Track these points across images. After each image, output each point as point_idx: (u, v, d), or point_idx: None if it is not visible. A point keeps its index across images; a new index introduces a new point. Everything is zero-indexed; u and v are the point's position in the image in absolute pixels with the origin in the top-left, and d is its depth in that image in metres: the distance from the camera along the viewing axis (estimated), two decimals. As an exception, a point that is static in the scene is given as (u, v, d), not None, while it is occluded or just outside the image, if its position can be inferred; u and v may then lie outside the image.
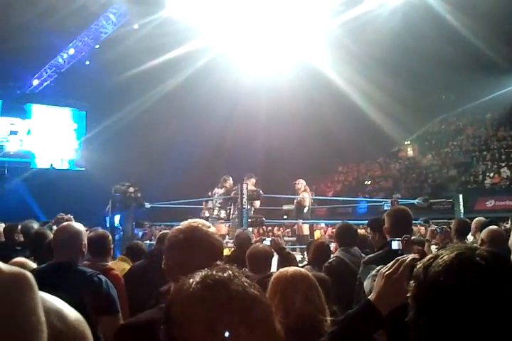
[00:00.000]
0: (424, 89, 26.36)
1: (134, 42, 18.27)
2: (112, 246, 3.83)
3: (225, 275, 0.88)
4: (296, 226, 10.54)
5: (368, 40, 19.03)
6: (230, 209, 9.61)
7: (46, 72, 22.58)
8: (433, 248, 5.05)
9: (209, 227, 1.81)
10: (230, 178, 9.94)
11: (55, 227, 4.39)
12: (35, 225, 4.48)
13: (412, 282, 1.09)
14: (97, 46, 20.27)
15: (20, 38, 18.01)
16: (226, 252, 5.59)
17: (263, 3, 15.80)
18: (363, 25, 17.16)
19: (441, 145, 28.86)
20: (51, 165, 24.28)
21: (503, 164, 23.57)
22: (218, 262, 0.99)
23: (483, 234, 4.04)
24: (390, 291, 1.45)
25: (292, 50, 18.47)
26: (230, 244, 7.91)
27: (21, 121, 23.74)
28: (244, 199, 8.05)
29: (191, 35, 17.69)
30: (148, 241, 11.21)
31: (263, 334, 0.83)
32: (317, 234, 13.21)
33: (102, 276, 2.82)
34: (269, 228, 16.49)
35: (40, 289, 0.68)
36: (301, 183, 10.09)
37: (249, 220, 8.28)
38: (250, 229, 8.87)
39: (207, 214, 10.15)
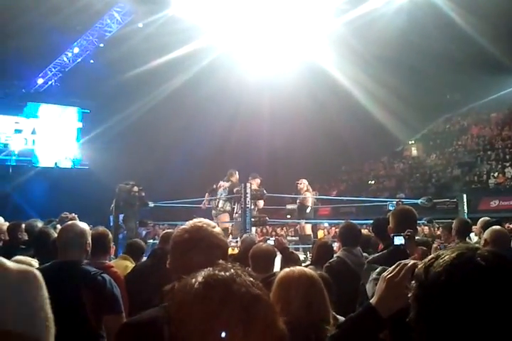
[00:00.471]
0: (428, 88, 26.31)
1: (139, 41, 18.29)
2: (111, 244, 3.84)
3: (228, 274, 0.88)
4: (298, 226, 10.54)
5: (373, 38, 18.99)
6: (233, 207, 9.63)
7: (51, 71, 22.64)
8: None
9: (214, 227, 1.81)
10: (237, 173, 9.95)
11: (59, 226, 4.39)
12: (40, 224, 4.49)
13: (413, 282, 1.09)
14: (102, 45, 20.30)
15: (25, 36, 18.06)
16: (230, 251, 5.59)
17: (267, 2, 15.79)
18: (368, 23, 17.13)
19: (445, 144, 28.81)
20: (55, 164, 24.34)
21: (508, 164, 23.51)
22: (222, 261, 0.99)
23: (487, 234, 4.03)
24: (391, 295, 1.45)
25: (296, 49, 18.46)
26: (233, 244, 7.92)
27: (26, 120, 23.81)
28: (248, 199, 8.04)
29: (195, 34, 17.71)
30: (151, 241, 11.24)
31: (265, 333, 0.83)
32: (320, 234, 13.20)
33: (106, 275, 2.82)
34: (271, 227, 16.50)
35: None
36: (303, 183, 10.08)
37: (253, 219, 8.27)
38: (254, 228, 8.90)
39: (210, 205, 10.14)
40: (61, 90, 23.32)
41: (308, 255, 8.38)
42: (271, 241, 4.52)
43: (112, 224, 9.33)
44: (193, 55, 18.59)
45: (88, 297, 2.57)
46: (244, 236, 5.85)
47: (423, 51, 22.11)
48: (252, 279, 0.90)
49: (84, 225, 3.05)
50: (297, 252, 6.24)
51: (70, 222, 3.20)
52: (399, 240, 2.80)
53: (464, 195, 9.99)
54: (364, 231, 6.85)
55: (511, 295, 0.97)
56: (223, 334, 0.80)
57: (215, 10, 16.27)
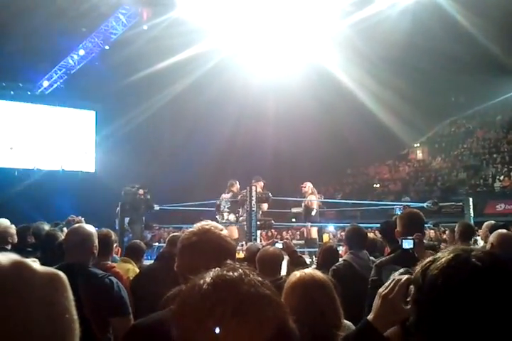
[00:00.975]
0: (434, 91, 26.27)
1: (144, 44, 18.36)
2: (115, 245, 3.84)
3: (236, 274, 0.87)
4: (304, 230, 10.53)
5: (378, 40, 18.98)
6: (238, 212, 9.61)
7: (56, 73, 22.72)
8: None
9: (221, 230, 1.81)
10: (237, 183, 9.92)
11: (65, 229, 4.41)
12: (46, 227, 4.50)
13: (411, 287, 1.11)
14: (107, 47, 20.37)
15: (30, 39, 18.15)
16: (238, 256, 5.59)
17: (272, 4, 15.82)
18: (373, 25, 17.11)
19: (451, 147, 28.74)
20: (61, 167, 24.40)
21: (514, 167, 23.44)
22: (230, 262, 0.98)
23: (493, 237, 4.00)
24: (387, 311, 1.46)
25: (302, 51, 18.47)
26: (238, 247, 7.91)
27: (32, 124, 23.88)
28: (253, 202, 8.03)
29: (200, 37, 17.75)
30: (157, 244, 11.25)
31: (276, 334, 0.82)
32: (326, 238, 13.17)
33: (113, 278, 2.83)
34: (276, 231, 16.47)
35: None
36: (308, 186, 10.08)
37: (258, 223, 8.27)
38: (259, 232, 8.89)
39: (218, 218, 10.14)
40: (66, 93, 23.39)
41: (314, 259, 8.36)
42: (279, 245, 4.51)
43: (117, 227, 9.34)
44: (198, 58, 18.63)
45: (96, 299, 2.57)
46: (249, 244, 5.86)
47: (428, 53, 22.09)
48: (260, 279, 0.90)
49: (90, 228, 3.06)
50: (303, 256, 6.23)
51: (76, 225, 3.21)
52: (408, 244, 2.79)
53: (470, 199, 9.95)
54: (370, 234, 6.84)
55: (508, 293, 0.99)
56: (233, 336, 0.79)
57: (220, 12, 16.31)
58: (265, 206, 9.16)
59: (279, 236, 15.52)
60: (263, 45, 18.02)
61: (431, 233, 11.40)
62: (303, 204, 10.08)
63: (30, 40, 18.15)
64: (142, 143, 22.74)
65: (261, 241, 10.29)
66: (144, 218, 9.96)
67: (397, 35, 18.45)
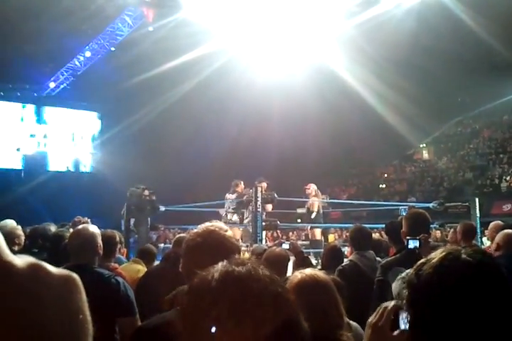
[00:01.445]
0: (440, 91, 26.19)
1: (150, 45, 18.40)
2: (118, 247, 3.86)
3: (245, 270, 0.85)
4: (308, 231, 10.52)
5: (383, 40, 18.94)
6: (243, 212, 9.61)
7: (63, 75, 22.82)
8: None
9: (226, 231, 1.82)
10: (242, 183, 9.92)
11: (71, 230, 4.43)
12: (53, 228, 4.52)
13: (404, 291, 1.13)
14: (113, 49, 20.44)
15: (37, 41, 18.23)
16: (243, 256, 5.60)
17: (278, 5, 15.82)
18: (378, 26, 17.09)
19: (457, 147, 28.64)
20: (67, 168, 24.51)
21: (520, 167, 23.34)
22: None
23: (499, 238, 3.99)
24: (377, 340, 1.46)
25: (307, 52, 18.46)
26: (243, 248, 7.91)
27: (38, 125, 24.00)
28: (259, 203, 8.02)
29: (206, 38, 17.78)
30: (162, 245, 11.27)
31: (289, 333, 0.81)
32: (331, 238, 13.16)
33: (119, 278, 2.84)
34: (281, 232, 16.44)
35: None
36: (312, 188, 10.07)
37: (263, 224, 8.26)
38: (264, 232, 8.89)
39: (222, 219, 10.15)
40: (73, 94, 23.48)
41: (319, 260, 8.35)
42: (286, 245, 4.52)
43: (123, 228, 9.36)
44: (204, 59, 18.67)
45: (102, 300, 2.58)
46: (255, 246, 5.86)
47: (434, 53, 22.02)
48: (269, 274, 0.88)
49: (94, 228, 3.08)
50: (309, 257, 6.23)
51: (80, 226, 3.23)
52: (413, 243, 2.78)
53: (476, 199, 9.91)
54: (375, 235, 6.82)
55: (499, 286, 1.03)
56: (244, 335, 0.78)
57: (225, 13, 16.33)
58: (269, 207, 9.15)
59: (284, 237, 15.51)
60: (268, 45, 18.03)
61: (437, 233, 11.36)
62: (306, 206, 10.09)
63: (37, 42, 18.24)
64: (148, 144, 22.79)
65: (266, 242, 10.30)
66: (149, 219, 9.97)
67: (403, 36, 18.42)
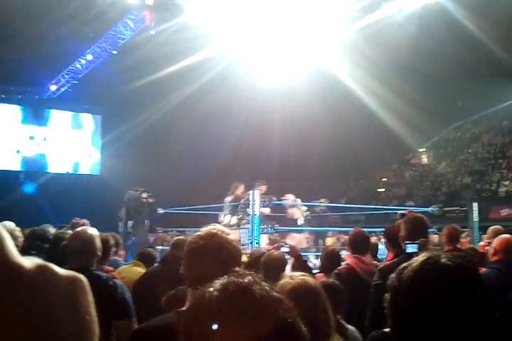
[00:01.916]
0: (440, 96, 26.22)
1: (152, 49, 18.43)
2: (113, 250, 3.87)
3: (246, 280, 0.86)
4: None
5: (385, 45, 18.98)
6: (239, 214, 9.61)
7: (64, 78, 22.83)
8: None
9: (228, 234, 1.83)
10: (243, 186, 9.89)
11: (70, 232, 4.44)
12: (52, 230, 4.53)
13: (386, 295, 1.15)
14: (115, 52, 20.46)
15: (38, 43, 18.26)
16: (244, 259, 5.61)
17: (279, 9, 15.86)
18: (380, 30, 17.12)
19: (456, 152, 28.66)
20: (67, 171, 24.51)
21: (519, 172, 23.36)
22: (237, 269, 0.97)
23: (496, 242, 3.99)
24: None
25: (308, 56, 18.48)
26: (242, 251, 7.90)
27: (38, 127, 24.01)
28: (256, 206, 8.03)
29: (208, 42, 17.81)
30: (160, 247, 11.26)
31: (292, 338, 0.82)
32: (329, 241, 13.18)
33: (117, 281, 2.86)
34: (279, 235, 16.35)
35: None
36: (288, 198, 10.01)
37: (261, 227, 8.27)
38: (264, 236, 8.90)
39: (219, 220, 10.14)
40: (74, 97, 23.50)
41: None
42: (285, 248, 4.52)
43: (120, 230, 9.37)
44: (205, 63, 18.68)
45: (99, 302, 2.59)
46: (253, 249, 5.88)
47: (435, 58, 22.05)
48: (269, 285, 0.88)
49: (93, 231, 3.09)
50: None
51: (79, 228, 3.24)
52: (412, 248, 2.80)
53: (475, 204, 9.92)
54: (372, 239, 6.83)
55: (477, 288, 1.06)
56: (243, 339, 0.77)
57: (227, 17, 16.37)
58: (266, 210, 9.14)
59: (282, 240, 15.46)
60: (270, 50, 18.06)
61: (435, 238, 11.35)
62: (287, 218, 10.13)
63: (39, 45, 18.26)
64: (148, 147, 22.79)
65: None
66: (147, 221, 9.98)
67: (404, 40, 18.45)
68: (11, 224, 4.46)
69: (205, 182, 21.30)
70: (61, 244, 3.67)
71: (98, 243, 3.01)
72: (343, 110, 22.82)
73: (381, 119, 23.37)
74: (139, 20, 18.55)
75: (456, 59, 21.69)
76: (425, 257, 1.12)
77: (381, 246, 7.06)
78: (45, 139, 24.09)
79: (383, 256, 5.49)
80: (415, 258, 1.15)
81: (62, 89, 23.42)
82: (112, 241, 3.78)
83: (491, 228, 6.08)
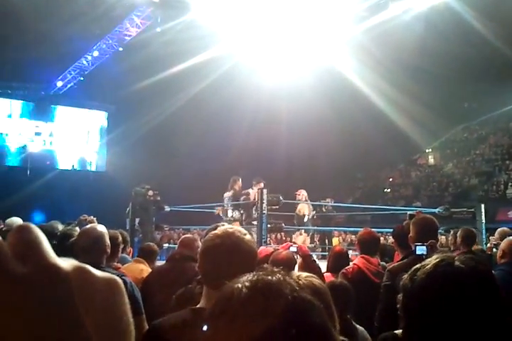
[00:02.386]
0: (447, 97, 26.14)
1: (158, 46, 18.46)
2: (121, 247, 3.86)
3: (275, 278, 0.81)
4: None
5: (392, 45, 18.94)
6: (243, 211, 9.67)
7: (70, 74, 22.92)
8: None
9: (245, 234, 1.83)
10: (240, 180, 9.92)
11: (77, 228, 4.44)
12: (60, 226, 4.53)
13: (399, 296, 1.16)
14: (121, 49, 20.50)
15: (45, 40, 18.32)
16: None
17: (286, 8, 15.84)
18: (387, 30, 17.09)
19: (463, 153, 28.56)
20: (73, 167, 24.59)
21: (526, 174, 23.26)
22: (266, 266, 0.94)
23: (504, 244, 3.96)
24: None
25: (315, 56, 18.46)
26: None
27: (44, 123, 24.12)
28: (264, 205, 8.03)
29: (214, 41, 17.82)
30: (166, 245, 11.28)
31: (315, 336, 0.77)
32: (335, 242, 13.17)
33: (126, 278, 2.85)
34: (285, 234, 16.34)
35: None
36: (302, 194, 10.16)
37: (268, 226, 8.27)
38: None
39: (221, 214, 10.18)
40: (80, 93, 23.58)
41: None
42: (293, 248, 4.50)
43: (127, 227, 9.39)
44: (212, 61, 18.69)
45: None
46: (261, 248, 5.86)
47: (442, 58, 21.99)
48: (297, 284, 0.84)
49: (102, 228, 3.09)
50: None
51: (88, 226, 3.24)
52: (421, 250, 2.78)
53: (482, 205, 9.88)
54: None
55: (490, 292, 1.06)
56: None
57: (233, 16, 16.36)
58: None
59: (288, 239, 15.46)
60: (277, 49, 18.04)
61: (442, 239, 11.33)
62: (295, 212, 10.21)
63: (45, 41, 18.32)
64: (154, 145, 22.84)
65: (271, 244, 10.33)
66: (154, 219, 9.99)
67: (411, 40, 18.41)
68: (18, 220, 4.48)
69: (211, 180, 21.32)
70: (69, 240, 3.67)
71: (107, 240, 3.01)
72: (350, 110, 22.81)
73: (388, 119, 23.32)
74: (145, 17, 18.57)
75: (464, 59, 21.63)
76: (439, 259, 1.12)
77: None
78: (51, 135, 24.19)
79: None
80: (428, 260, 1.15)
81: (69, 86, 23.50)
82: (120, 238, 3.78)
83: (499, 230, 6.06)
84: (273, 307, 0.76)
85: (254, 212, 9.17)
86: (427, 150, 30.32)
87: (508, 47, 19.86)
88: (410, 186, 27.73)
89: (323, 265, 4.99)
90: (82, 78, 22.84)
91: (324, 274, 4.19)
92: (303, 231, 10.51)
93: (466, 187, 24.94)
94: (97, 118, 25.69)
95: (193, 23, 17.00)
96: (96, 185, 22.08)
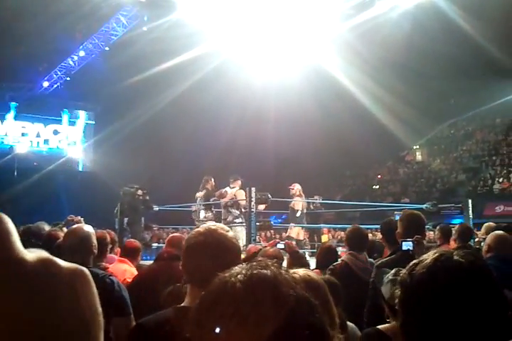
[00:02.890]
0: (433, 93, 26.31)
1: (145, 45, 18.36)
2: (109, 247, 3.83)
3: (270, 273, 0.79)
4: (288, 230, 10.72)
5: (378, 43, 19.02)
6: (213, 210, 9.72)
7: (56, 74, 22.75)
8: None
9: (228, 231, 1.83)
10: (212, 179, 10.01)
11: (65, 229, 4.41)
12: (46, 227, 4.50)
13: (397, 290, 1.15)
14: (107, 48, 20.38)
15: (31, 40, 18.18)
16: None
17: (273, 6, 15.84)
18: (373, 28, 17.13)
19: (450, 149, 28.77)
20: (60, 167, 24.41)
21: (513, 169, 23.48)
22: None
23: (489, 239, 3.98)
24: None
25: (302, 54, 18.48)
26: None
27: (31, 124, 23.95)
28: (253, 203, 8.04)
29: (201, 39, 17.75)
30: (156, 244, 11.26)
31: (318, 337, 0.77)
32: (324, 239, 13.19)
33: (114, 278, 2.84)
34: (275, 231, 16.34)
35: None
36: (296, 188, 10.18)
37: (257, 224, 8.28)
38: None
39: (193, 216, 10.21)
40: (67, 93, 23.41)
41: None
42: (281, 245, 4.50)
43: (116, 227, 9.34)
44: (199, 60, 18.64)
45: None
46: (250, 246, 5.88)
47: (428, 56, 22.12)
48: (291, 278, 0.83)
49: (89, 228, 3.08)
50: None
51: (75, 226, 3.22)
52: (407, 245, 2.80)
53: (469, 200, 9.95)
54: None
55: (490, 287, 1.06)
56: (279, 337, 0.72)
57: (220, 15, 16.32)
58: (261, 206, 9.19)
59: (277, 236, 15.47)
60: (264, 47, 18.03)
61: (430, 234, 11.39)
62: (289, 206, 10.23)
63: (31, 41, 18.19)
64: (142, 144, 22.74)
65: (260, 242, 10.33)
66: (143, 218, 9.96)
67: (397, 38, 18.49)
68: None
69: (200, 179, 21.26)
70: (54, 241, 3.65)
71: (94, 240, 2.99)
72: (337, 107, 22.85)
73: (375, 117, 23.42)
74: (131, 17, 18.47)
75: (450, 57, 21.77)
76: (438, 254, 1.12)
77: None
78: (38, 136, 24.03)
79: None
80: (427, 254, 1.14)
81: (55, 86, 23.32)
82: (108, 238, 3.75)
83: (485, 224, 6.11)
84: (267, 304, 0.74)
85: (233, 210, 9.26)
86: (414, 147, 30.49)
87: (494, 45, 20.04)
88: (398, 183, 27.88)
89: (312, 263, 5.00)
90: (68, 78, 22.69)
91: (313, 271, 4.19)
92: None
93: (453, 183, 25.14)
94: (83, 118, 25.54)
95: (179, 22, 16.94)
96: (83, 185, 21.94)
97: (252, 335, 0.71)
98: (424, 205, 9.85)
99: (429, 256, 1.12)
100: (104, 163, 22.24)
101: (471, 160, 26.55)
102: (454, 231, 5.37)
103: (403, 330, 1.10)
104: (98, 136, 24.36)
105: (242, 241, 7.79)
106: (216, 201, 9.73)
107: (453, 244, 5.13)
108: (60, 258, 2.69)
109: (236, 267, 0.81)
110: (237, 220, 9.43)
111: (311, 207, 11.55)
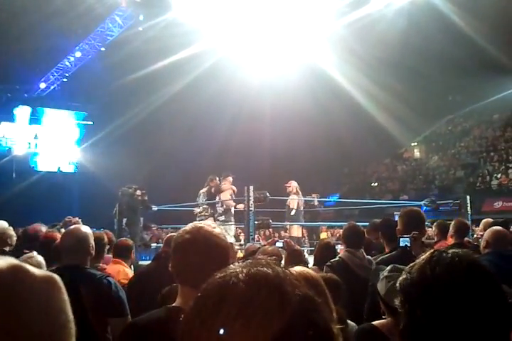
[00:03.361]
0: (430, 90, 26.31)
1: (140, 45, 18.34)
2: (107, 247, 3.81)
3: (272, 271, 0.76)
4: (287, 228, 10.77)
5: (374, 41, 19.01)
6: (212, 211, 9.79)
7: (53, 76, 22.71)
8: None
9: (214, 228, 1.82)
10: (217, 178, 10.08)
11: (62, 230, 4.40)
12: (44, 228, 4.49)
13: (394, 286, 1.17)
14: (103, 49, 20.35)
15: (27, 41, 18.13)
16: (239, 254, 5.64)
17: (268, 4, 15.83)
18: (369, 26, 17.15)
19: (448, 146, 28.78)
20: (58, 168, 24.39)
21: (511, 165, 23.47)
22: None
23: (487, 235, 3.99)
24: None
25: (298, 52, 18.48)
26: (237, 247, 7.92)
27: (28, 125, 23.90)
28: (251, 202, 8.04)
29: (197, 38, 17.74)
30: (155, 244, 11.24)
31: (318, 336, 0.73)
32: (323, 236, 13.20)
33: (111, 279, 2.84)
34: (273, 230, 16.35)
35: None
36: (292, 186, 10.18)
37: (256, 222, 8.27)
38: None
39: (194, 211, 10.31)
40: (63, 94, 23.38)
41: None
42: (279, 243, 4.50)
43: (115, 227, 9.34)
44: (195, 58, 18.62)
45: (94, 300, 2.58)
46: (248, 244, 5.88)
47: (424, 53, 22.12)
48: (294, 277, 0.79)
49: (86, 229, 3.07)
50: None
51: (72, 227, 3.21)
52: (404, 241, 2.80)
53: (468, 197, 9.96)
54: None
55: (491, 285, 1.06)
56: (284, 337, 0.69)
57: (215, 13, 16.31)
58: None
59: (276, 235, 15.48)
60: (259, 45, 18.03)
61: (429, 231, 11.40)
62: (286, 204, 10.24)
63: (27, 42, 18.13)
64: (139, 144, 22.73)
65: (259, 241, 10.34)
66: (141, 219, 9.95)
67: (393, 35, 18.48)
68: (3, 223, 4.43)
69: (197, 178, 21.25)
70: (52, 242, 3.64)
71: (91, 241, 2.99)
72: (334, 105, 22.84)
73: (372, 114, 23.43)
74: (127, 17, 18.45)
75: (446, 53, 21.79)
76: (436, 253, 1.13)
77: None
78: (36, 137, 23.99)
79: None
80: (421, 255, 1.15)
81: (52, 87, 23.29)
82: (106, 239, 3.74)
83: (483, 220, 6.13)
84: (277, 304, 0.72)
85: (218, 208, 9.39)
86: (412, 144, 30.51)
87: (489, 41, 20.05)
88: (397, 180, 27.90)
89: (310, 260, 5.00)
90: (65, 79, 22.65)
91: (311, 267, 4.19)
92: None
93: (451, 179, 25.15)
94: (81, 119, 25.52)
95: (175, 21, 16.93)
96: (81, 186, 21.95)
97: (257, 336, 0.69)
98: (423, 202, 9.87)
99: (427, 256, 1.13)
100: (102, 163, 22.22)
101: (469, 156, 26.57)
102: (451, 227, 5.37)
103: (404, 331, 1.09)
104: (95, 137, 24.33)
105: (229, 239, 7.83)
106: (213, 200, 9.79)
107: (450, 240, 5.12)
108: (58, 259, 2.67)
109: (233, 266, 0.78)
110: (220, 218, 9.50)
111: (309, 205, 11.53)
